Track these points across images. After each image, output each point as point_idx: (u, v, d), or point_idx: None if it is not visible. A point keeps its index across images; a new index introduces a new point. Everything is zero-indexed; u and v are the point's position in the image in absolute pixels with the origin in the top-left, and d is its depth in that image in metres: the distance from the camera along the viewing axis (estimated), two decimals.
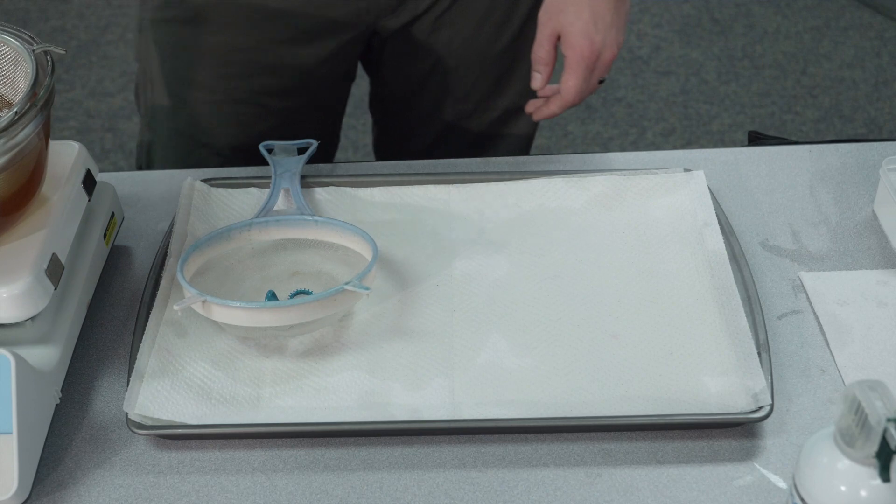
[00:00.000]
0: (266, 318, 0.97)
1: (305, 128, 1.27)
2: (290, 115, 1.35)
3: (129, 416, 0.95)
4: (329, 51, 1.30)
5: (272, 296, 1.02)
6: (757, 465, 0.93)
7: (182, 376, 0.98)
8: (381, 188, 1.17)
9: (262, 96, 1.33)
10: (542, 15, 1.19)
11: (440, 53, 1.32)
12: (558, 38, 1.18)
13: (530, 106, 1.25)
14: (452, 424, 0.95)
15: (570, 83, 1.18)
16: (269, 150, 1.17)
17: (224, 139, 1.33)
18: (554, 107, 1.21)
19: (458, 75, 1.35)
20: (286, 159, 1.15)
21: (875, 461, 0.73)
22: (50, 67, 0.97)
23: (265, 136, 1.20)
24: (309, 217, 1.09)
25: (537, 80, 1.21)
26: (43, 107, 0.94)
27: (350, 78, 1.39)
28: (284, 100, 1.34)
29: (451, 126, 1.41)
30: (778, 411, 0.95)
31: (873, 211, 1.15)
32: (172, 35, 1.31)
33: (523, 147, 1.45)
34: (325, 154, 1.43)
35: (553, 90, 1.21)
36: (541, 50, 1.19)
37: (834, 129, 2.61)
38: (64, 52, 0.99)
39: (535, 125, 1.42)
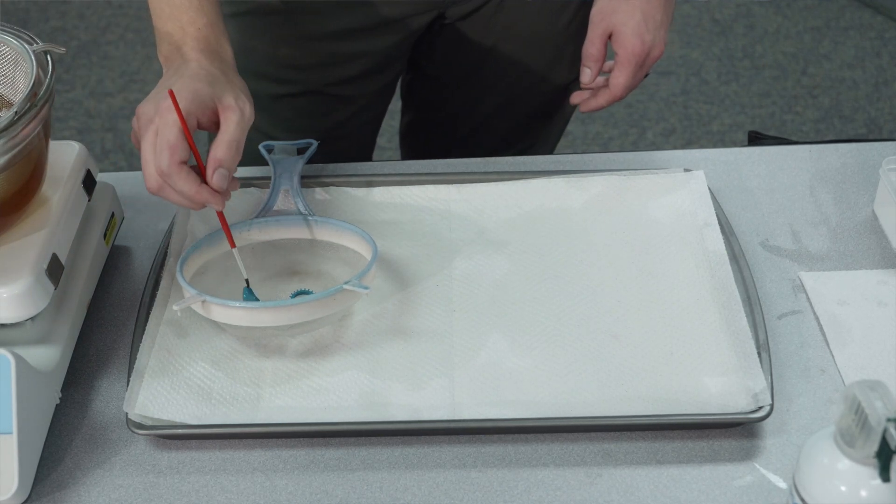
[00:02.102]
0: (266, 318, 0.97)
1: (363, 119, 1.36)
2: (358, 104, 1.36)
3: (129, 416, 0.95)
4: (399, 38, 1.30)
5: (248, 294, 1.02)
6: (757, 465, 0.93)
7: (182, 376, 0.98)
8: (381, 188, 1.17)
9: (336, 86, 1.33)
10: (595, 14, 1.22)
11: (498, 38, 1.32)
12: (609, 35, 1.21)
13: (576, 97, 1.27)
14: (452, 424, 0.95)
15: (621, 80, 1.21)
16: (269, 150, 1.16)
17: (295, 131, 1.32)
18: (602, 100, 1.24)
19: (510, 61, 1.34)
20: (286, 159, 1.15)
21: (875, 461, 0.73)
22: (50, 67, 0.97)
23: (340, 125, 1.28)
24: (309, 217, 1.09)
25: (587, 76, 1.23)
26: (43, 107, 0.94)
27: (412, 64, 1.39)
28: (355, 88, 1.34)
29: (488, 118, 1.41)
30: (778, 411, 0.95)
31: (873, 211, 1.15)
32: (248, 28, 1.29)
33: (553, 140, 1.47)
34: (370, 143, 1.45)
35: (600, 84, 1.23)
36: (592, 47, 1.22)
37: (834, 129, 2.60)
38: (64, 52, 0.99)
39: (567, 120, 1.44)
